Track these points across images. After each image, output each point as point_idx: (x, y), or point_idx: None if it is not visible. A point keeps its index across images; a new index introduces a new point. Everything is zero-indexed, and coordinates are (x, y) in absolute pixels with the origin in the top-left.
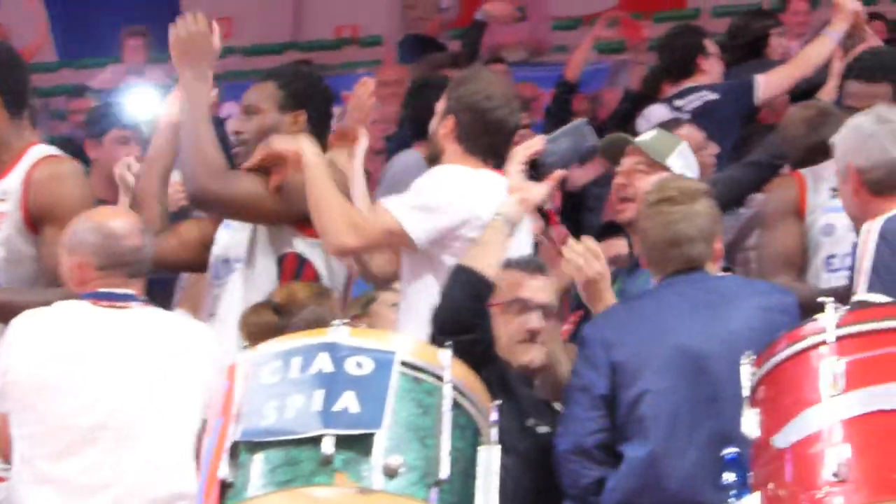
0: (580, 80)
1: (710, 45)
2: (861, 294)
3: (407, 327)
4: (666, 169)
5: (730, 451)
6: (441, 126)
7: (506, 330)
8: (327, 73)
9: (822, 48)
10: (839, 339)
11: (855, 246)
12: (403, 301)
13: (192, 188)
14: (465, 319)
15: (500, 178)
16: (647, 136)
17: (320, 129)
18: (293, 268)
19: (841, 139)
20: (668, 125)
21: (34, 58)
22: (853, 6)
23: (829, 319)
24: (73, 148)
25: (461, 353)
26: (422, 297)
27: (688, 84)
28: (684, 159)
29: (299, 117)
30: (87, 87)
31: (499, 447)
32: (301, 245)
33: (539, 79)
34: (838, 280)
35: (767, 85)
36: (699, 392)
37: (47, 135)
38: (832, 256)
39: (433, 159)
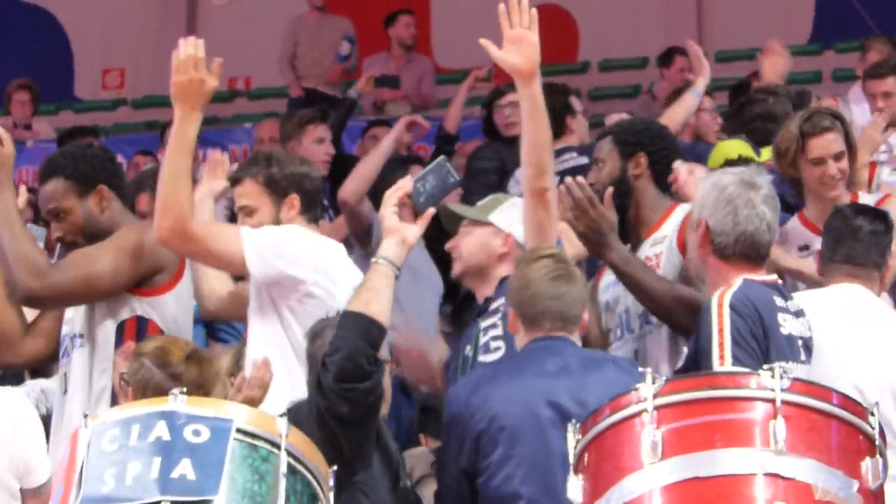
0: (460, 132)
1: (577, 103)
2: (727, 367)
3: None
4: (489, 224)
5: None
6: (289, 208)
7: None
8: (219, 125)
9: (688, 105)
10: (657, 408)
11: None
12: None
13: (20, 294)
14: (363, 366)
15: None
16: (478, 205)
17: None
18: (134, 331)
19: (702, 193)
20: None
21: None
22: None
23: (648, 389)
24: None
25: (354, 402)
26: (270, 347)
27: (558, 145)
28: (509, 214)
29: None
30: None
31: None
32: (140, 306)
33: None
34: None
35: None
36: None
37: None
38: None
39: None
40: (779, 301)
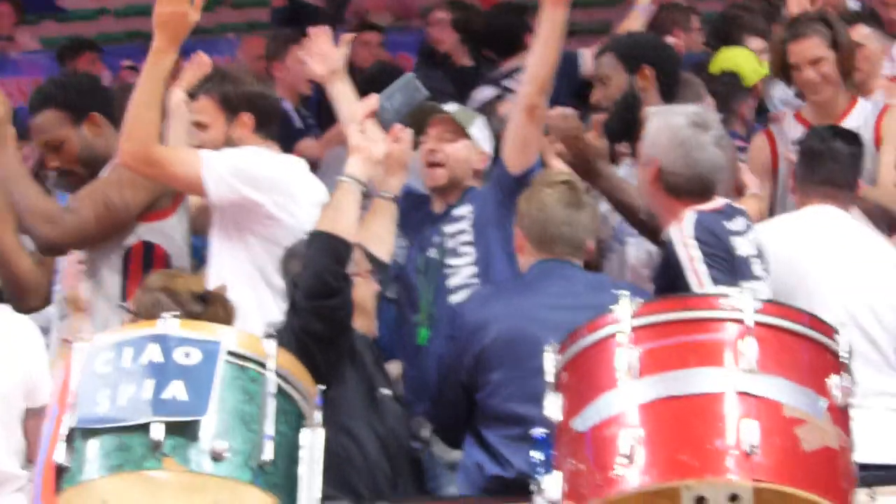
0: None
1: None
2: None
3: None
4: (469, 138)
5: (538, 431)
6: (241, 126)
7: None
8: (202, 36)
9: (636, 22)
10: (634, 329)
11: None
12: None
13: (41, 244)
14: (330, 283)
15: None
16: (450, 107)
17: None
18: (140, 256)
19: (653, 132)
20: (492, 103)
21: None
22: None
23: (625, 311)
24: None
25: (325, 318)
26: (234, 269)
27: (516, 63)
28: (482, 132)
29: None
30: None
31: (321, 430)
32: (145, 232)
33: (406, 44)
34: None
35: (593, 58)
36: None
37: None
38: None
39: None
40: (728, 225)
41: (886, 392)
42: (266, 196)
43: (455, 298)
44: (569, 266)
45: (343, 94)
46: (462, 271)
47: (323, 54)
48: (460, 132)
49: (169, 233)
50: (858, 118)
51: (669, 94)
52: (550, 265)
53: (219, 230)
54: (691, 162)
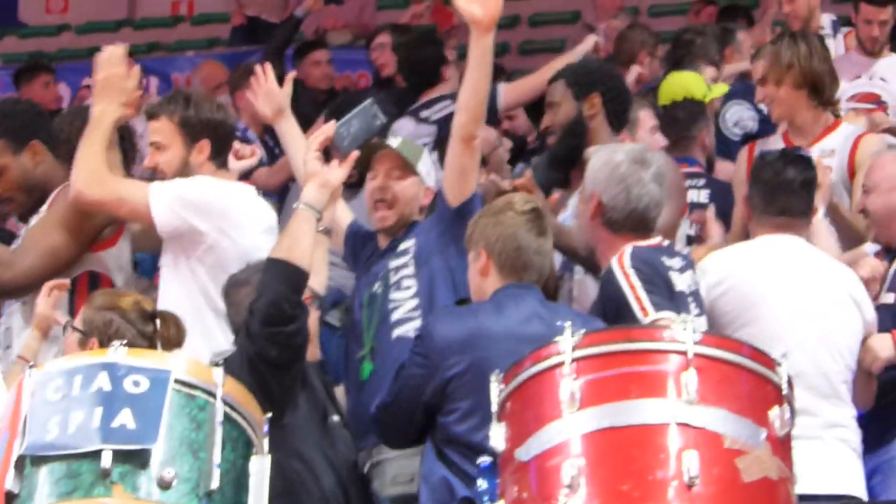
0: None
1: (450, 54)
2: (652, 314)
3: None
4: (416, 174)
5: (483, 459)
6: (199, 152)
7: None
8: (161, 53)
9: (574, 56)
10: (576, 360)
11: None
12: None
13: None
14: (286, 311)
15: (242, 185)
16: (394, 142)
17: None
18: (86, 286)
19: (595, 168)
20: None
21: None
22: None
23: (567, 342)
24: None
25: (281, 345)
26: (180, 295)
27: (433, 94)
28: (427, 166)
29: None
30: None
31: (268, 457)
32: (89, 261)
33: (364, 62)
34: None
35: (507, 93)
36: None
37: None
38: None
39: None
40: (667, 261)
41: (838, 424)
42: (210, 224)
43: (397, 332)
44: (535, 291)
45: (289, 133)
46: (405, 304)
47: (268, 93)
48: (408, 168)
49: (113, 261)
50: (836, 141)
51: (617, 121)
52: (518, 290)
53: (167, 256)
54: (631, 198)
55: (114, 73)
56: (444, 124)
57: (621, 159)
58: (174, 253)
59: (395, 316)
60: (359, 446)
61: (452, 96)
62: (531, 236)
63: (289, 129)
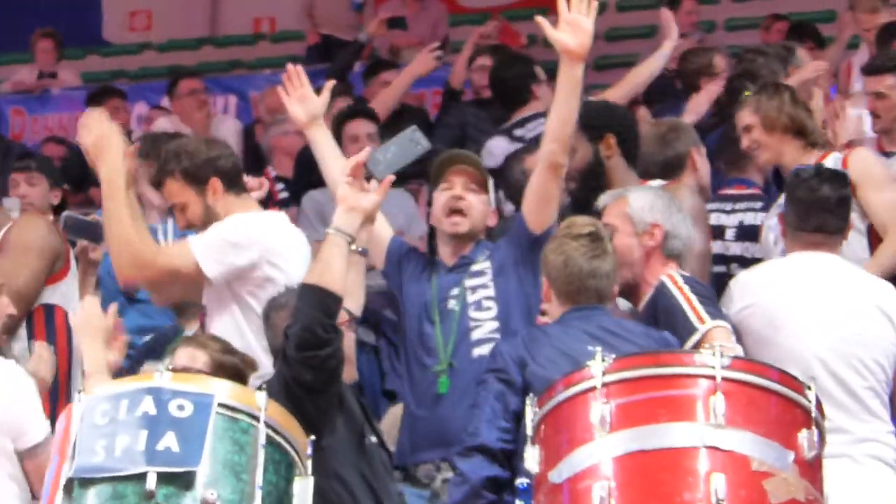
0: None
1: (541, 72)
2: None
3: None
4: (488, 192)
5: (521, 481)
6: (213, 193)
7: None
8: (241, 71)
9: (653, 66)
10: (606, 384)
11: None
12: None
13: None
14: (320, 335)
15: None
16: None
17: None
18: (43, 319)
19: (649, 201)
20: (520, 154)
21: None
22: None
23: (598, 367)
24: None
25: (316, 368)
26: (229, 331)
27: (525, 113)
28: (492, 191)
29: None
30: None
31: (311, 479)
32: (45, 295)
33: (436, 79)
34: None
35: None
36: None
37: None
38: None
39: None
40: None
41: (868, 439)
42: (254, 257)
43: (478, 351)
44: (597, 311)
45: (321, 142)
46: (485, 325)
47: (302, 98)
48: (484, 186)
49: (66, 292)
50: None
51: (631, 157)
52: (580, 313)
53: (214, 295)
54: (690, 230)
55: (102, 133)
56: (537, 143)
57: (670, 196)
58: (222, 291)
59: (476, 335)
60: (426, 459)
61: (545, 114)
62: (584, 259)
63: (320, 138)
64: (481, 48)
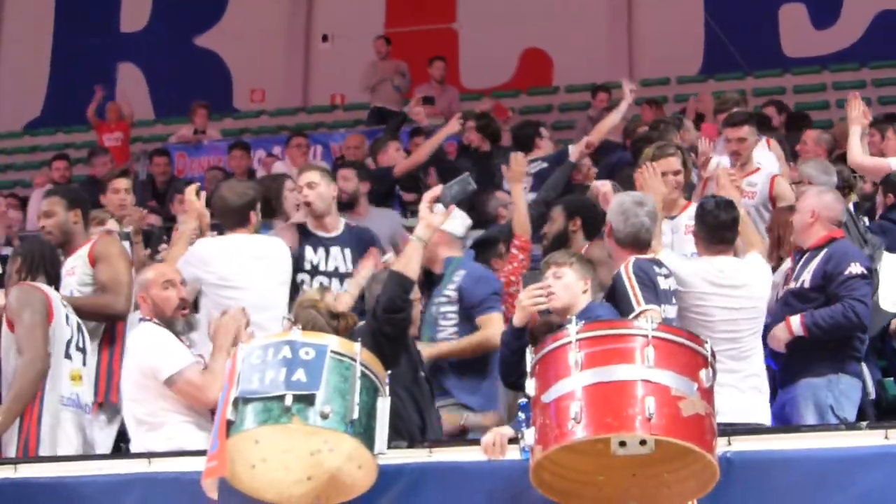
0: None
1: (543, 130)
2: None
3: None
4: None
5: (522, 399)
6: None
7: None
8: (323, 130)
9: (612, 119)
10: (578, 339)
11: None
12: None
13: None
14: (399, 304)
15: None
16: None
17: None
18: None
19: (611, 206)
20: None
21: (138, 116)
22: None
23: (573, 328)
24: None
25: (394, 325)
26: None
27: (530, 157)
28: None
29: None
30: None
31: (389, 399)
32: None
33: (452, 137)
34: None
35: (572, 152)
36: None
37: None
38: None
39: None
40: (656, 269)
41: (753, 374)
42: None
43: None
44: None
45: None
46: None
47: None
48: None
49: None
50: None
51: (590, 234)
52: None
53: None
54: (627, 224)
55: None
56: (537, 176)
57: (626, 199)
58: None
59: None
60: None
61: (542, 158)
62: None
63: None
64: (471, 114)
